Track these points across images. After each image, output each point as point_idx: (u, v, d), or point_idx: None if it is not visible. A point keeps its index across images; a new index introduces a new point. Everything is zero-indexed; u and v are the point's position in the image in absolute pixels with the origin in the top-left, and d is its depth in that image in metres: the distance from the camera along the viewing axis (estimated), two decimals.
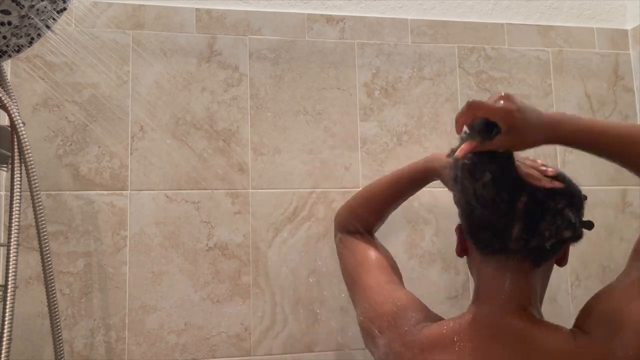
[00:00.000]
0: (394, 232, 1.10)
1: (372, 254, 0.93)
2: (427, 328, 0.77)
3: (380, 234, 0.99)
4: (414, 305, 0.82)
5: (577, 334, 0.71)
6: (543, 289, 0.80)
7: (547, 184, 0.73)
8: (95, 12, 1.05)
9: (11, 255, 0.73)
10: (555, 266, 0.79)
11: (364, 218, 0.97)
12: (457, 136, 0.75)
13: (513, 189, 0.72)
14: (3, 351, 0.69)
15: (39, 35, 0.80)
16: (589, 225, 0.75)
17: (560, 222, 0.71)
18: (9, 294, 0.71)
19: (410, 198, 0.98)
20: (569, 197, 0.73)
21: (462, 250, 0.82)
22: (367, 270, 0.90)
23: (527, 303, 0.75)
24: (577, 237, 0.74)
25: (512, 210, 0.71)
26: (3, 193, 0.99)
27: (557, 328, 0.73)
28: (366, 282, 0.88)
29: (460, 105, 1.16)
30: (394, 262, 0.96)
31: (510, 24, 1.22)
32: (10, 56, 0.80)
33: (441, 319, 0.81)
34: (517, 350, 0.71)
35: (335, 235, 1.01)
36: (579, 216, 0.75)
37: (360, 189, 1.04)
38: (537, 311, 0.77)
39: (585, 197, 0.77)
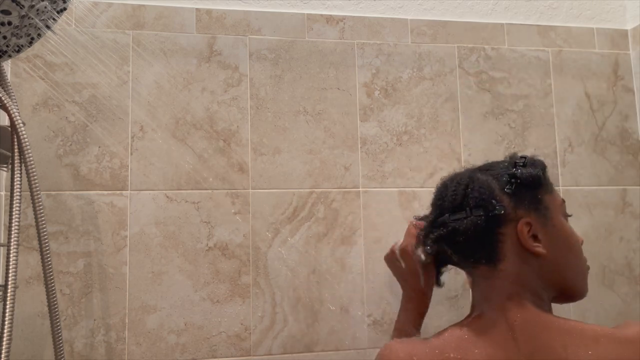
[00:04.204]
0: (394, 233, 1.10)
1: None
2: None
3: (380, 234, 0.99)
4: None
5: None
6: (541, 282, 0.79)
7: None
8: (95, 12, 1.05)
9: (11, 255, 0.73)
10: None
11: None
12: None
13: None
14: (3, 351, 0.69)
15: (39, 35, 0.80)
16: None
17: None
18: (9, 294, 0.71)
19: (410, 198, 0.97)
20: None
21: None
22: None
23: (526, 298, 0.77)
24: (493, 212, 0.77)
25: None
26: (3, 193, 0.99)
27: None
28: None
29: (460, 105, 1.17)
30: None
31: (510, 24, 1.22)
32: (10, 56, 0.80)
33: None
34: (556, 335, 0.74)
35: None
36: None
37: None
38: (539, 302, 0.79)
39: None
